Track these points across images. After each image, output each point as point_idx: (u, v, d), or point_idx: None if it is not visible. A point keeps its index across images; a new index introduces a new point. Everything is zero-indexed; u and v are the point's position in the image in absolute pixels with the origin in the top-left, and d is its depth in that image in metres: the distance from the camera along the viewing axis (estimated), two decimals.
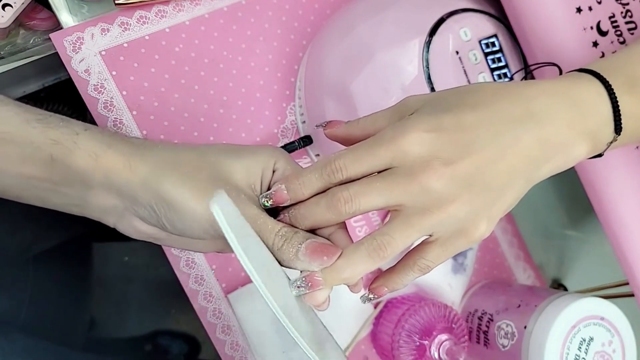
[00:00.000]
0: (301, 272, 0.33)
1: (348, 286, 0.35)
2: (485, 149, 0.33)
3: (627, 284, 0.52)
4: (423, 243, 0.34)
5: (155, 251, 0.52)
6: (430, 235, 0.34)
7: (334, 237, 0.35)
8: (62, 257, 0.63)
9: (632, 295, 0.52)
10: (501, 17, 0.49)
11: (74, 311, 0.64)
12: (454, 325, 0.54)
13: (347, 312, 0.55)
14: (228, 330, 0.52)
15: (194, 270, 0.51)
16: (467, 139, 0.33)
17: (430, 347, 0.52)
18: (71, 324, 0.64)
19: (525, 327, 0.51)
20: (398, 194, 0.32)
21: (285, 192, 0.34)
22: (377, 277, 0.36)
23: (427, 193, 0.32)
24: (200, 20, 0.51)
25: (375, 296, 0.36)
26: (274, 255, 0.33)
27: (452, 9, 0.46)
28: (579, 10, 0.48)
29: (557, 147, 0.35)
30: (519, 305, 0.54)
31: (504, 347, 0.53)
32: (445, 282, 0.58)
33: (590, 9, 0.48)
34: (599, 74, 0.37)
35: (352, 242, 0.35)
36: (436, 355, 0.52)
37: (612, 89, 0.36)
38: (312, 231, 0.35)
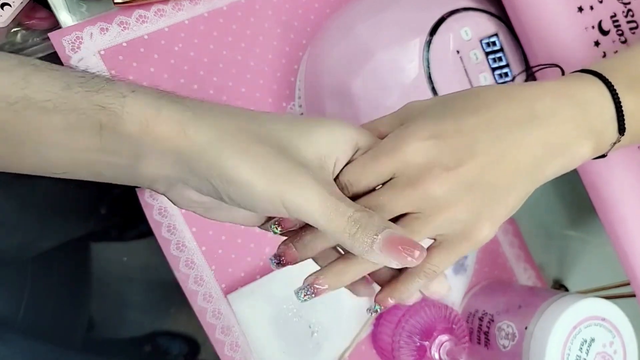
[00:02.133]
0: (305, 279, 0.33)
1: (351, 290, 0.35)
2: (486, 151, 0.33)
3: (629, 284, 0.52)
4: (427, 249, 0.34)
5: (154, 251, 0.51)
6: (434, 240, 0.34)
7: None
8: (60, 258, 0.63)
9: (633, 295, 0.52)
10: (502, 16, 0.49)
11: (73, 312, 0.63)
12: (454, 326, 0.54)
13: (348, 313, 0.55)
14: (228, 330, 0.52)
15: (193, 270, 0.51)
16: (467, 142, 0.33)
17: (430, 348, 0.52)
18: (70, 324, 0.63)
19: (526, 328, 0.51)
20: (402, 205, 0.33)
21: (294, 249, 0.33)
22: (383, 287, 0.36)
23: (429, 200, 0.32)
24: (199, 19, 0.51)
25: (382, 307, 0.35)
26: (346, 246, 0.31)
27: (453, 8, 0.46)
28: (580, 9, 0.48)
29: (561, 148, 0.35)
30: (520, 306, 0.54)
31: (504, 347, 0.53)
32: None
33: (591, 8, 0.48)
34: (601, 74, 0.37)
35: None
36: (437, 356, 0.52)
37: (615, 89, 0.36)
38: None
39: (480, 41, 0.47)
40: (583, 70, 0.38)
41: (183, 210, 0.50)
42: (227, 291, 0.52)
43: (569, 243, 0.67)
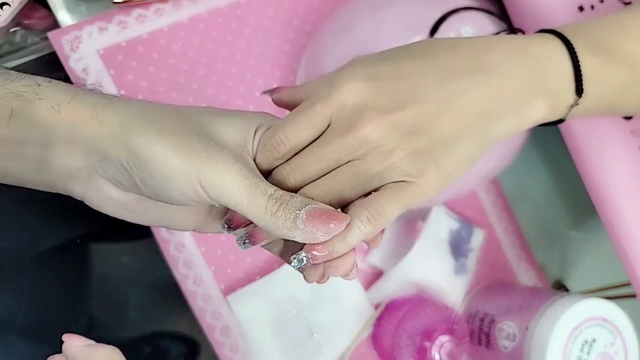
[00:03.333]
0: (301, 249, 0.30)
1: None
2: (428, 98, 0.31)
3: (630, 284, 0.52)
4: (372, 194, 0.32)
5: (153, 252, 0.51)
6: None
7: None
8: (60, 258, 0.63)
9: (634, 296, 0.52)
10: (502, 15, 0.49)
11: (72, 312, 0.63)
12: (455, 327, 0.53)
13: (348, 314, 0.55)
14: (227, 331, 0.51)
15: (192, 271, 0.51)
16: (406, 87, 0.31)
17: (431, 349, 0.52)
18: (69, 325, 0.63)
19: (527, 328, 0.51)
20: (337, 152, 0.30)
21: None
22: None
23: (365, 145, 0.30)
24: (198, 18, 0.51)
25: (310, 256, 0.30)
26: (267, 227, 0.28)
27: (454, 7, 0.46)
28: (580, 9, 0.47)
29: (510, 103, 0.33)
30: (521, 306, 0.53)
31: (505, 348, 0.53)
32: (446, 283, 0.58)
33: (592, 7, 0.48)
34: (561, 34, 0.35)
35: None
36: (437, 357, 0.52)
37: (574, 48, 0.34)
38: None
39: None
40: (544, 30, 0.36)
41: None
42: (227, 292, 0.51)
43: (569, 243, 0.67)
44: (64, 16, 0.48)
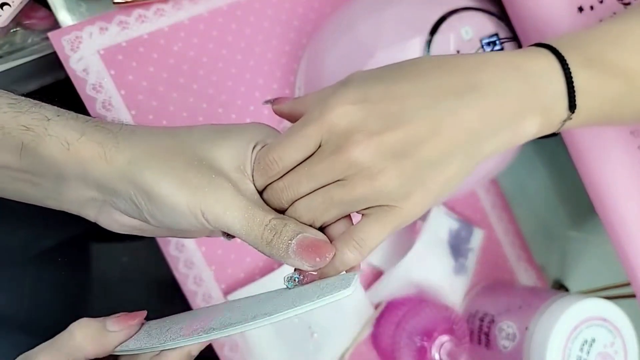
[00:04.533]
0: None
1: None
2: (416, 120, 0.31)
3: (629, 284, 0.52)
4: (358, 223, 0.33)
5: (154, 252, 0.51)
6: (363, 212, 0.33)
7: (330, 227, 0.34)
8: (61, 257, 0.63)
9: (634, 296, 0.52)
10: (502, 16, 0.49)
11: (73, 311, 0.63)
12: (455, 327, 0.53)
13: (348, 314, 0.55)
14: None
15: (192, 271, 0.51)
16: (396, 109, 0.31)
17: (431, 349, 0.52)
18: (70, 323, 0.63)
19: (526, 328, 0.51)
20: (326, 173, 0.31)
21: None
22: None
23: (353, 167, 0.31)
24: (199, 19, 0.51)
25: (301, 277, 0.32)
26: (264, 253, 0.31)
27: (453, 8, 0.46)
28: (580, 9, 0.47)
29: (503, 121, 0.32)
30: (521, 306, 0.53)
31: (505, 348, 0.53)
32: (446, 283, 0.58)
33: (591, 8, 0.48)
34: (554, 48, 0.35)
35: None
36: (437, 357, 0.52)
37: (567, 63, 0.34)
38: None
39: (481, 41, 0.47)
40: (538, 44, 0.36)
41: None
42: (227, 292, 0.51)
43: (569, 243, 0.67)
44: (64, 16, 0.48)
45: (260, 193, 0.33)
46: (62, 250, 0.61)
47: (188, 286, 0.50)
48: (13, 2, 0.47)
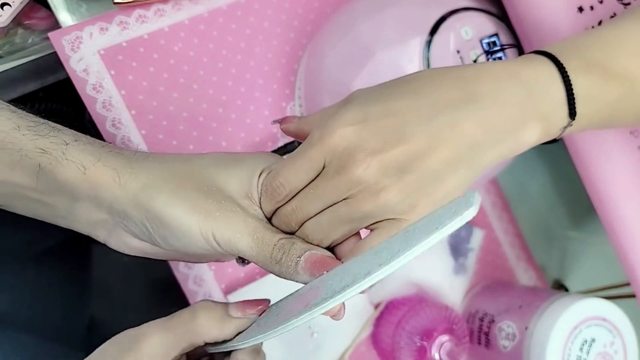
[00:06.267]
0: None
1: None
2: (417, 134, 0.31)
3: (629, 284, 0.52)
4: (366, 236, 0.33)
5: None
6: (370, 227, 0.33)
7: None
8: (62, 257, 0.63)
9: (633, 296, 0.52)
10: (502, 16, 0.49)
11: (74, 311, 0.63)
12: (454, 327, 0.53)
13: (348, 314, 0.55)
14: None
15: (193, 271, 0.51)
16: (396, 125, 0.32)
17: (431, 349, 0.52)
18: (71, 323, 0.63)
19: (526, 328, 0.51)
20: (331, 193, 0.32)
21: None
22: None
23: (357, 185, 0.31)
24: (199, 19, 0.51)
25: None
26: (274, 272, 0.32)
27: (453, 8, 0.46)
28: (580, 9, 0.47)
29: (503, 131, 0.33)
30: (520, 306, 0.53)
31: (505, 348, 0.53)
32: (446, 283, 0.58)
33: (591, 8, 0.48)
34: (552, 55, 0.35)
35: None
36: (437, 357, 0.52)
37: (566, 71, 0.34)
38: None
39: (481, 41, 0.47)
40: (536, 52, 0.36)
41: None
42: (227, 291, 0.51)
43: (569, 243, 0.67)
44: (64, 16, 0.48)
45: (270, 219, 0.34)
46: (63, 250, 0.61)
47: (188, 286, 0.50)
48: (13, 2, 0.47)
